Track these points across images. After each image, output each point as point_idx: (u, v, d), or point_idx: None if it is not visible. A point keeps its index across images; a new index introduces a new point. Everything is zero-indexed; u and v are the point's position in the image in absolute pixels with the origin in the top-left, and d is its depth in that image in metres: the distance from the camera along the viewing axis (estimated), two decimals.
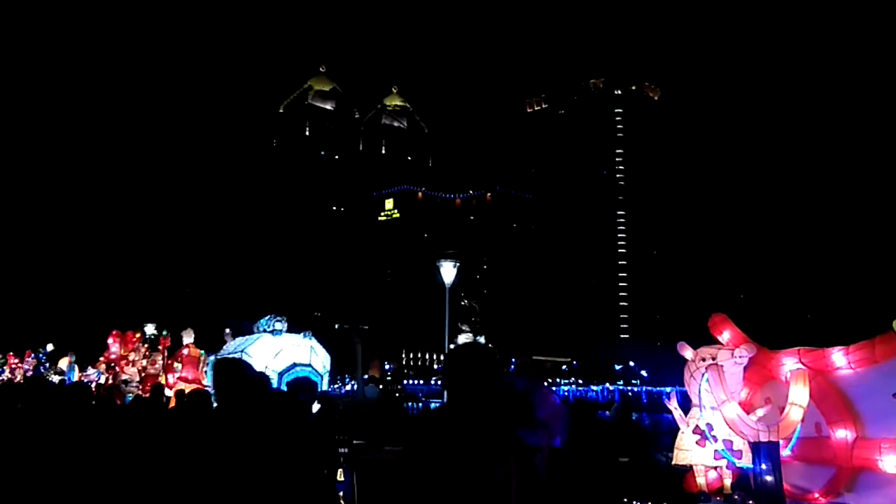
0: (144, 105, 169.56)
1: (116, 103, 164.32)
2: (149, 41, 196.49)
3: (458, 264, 20.87)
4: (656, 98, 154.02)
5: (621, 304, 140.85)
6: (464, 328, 51.10)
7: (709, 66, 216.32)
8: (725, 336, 7.48)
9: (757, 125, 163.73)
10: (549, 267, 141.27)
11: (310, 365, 15.97)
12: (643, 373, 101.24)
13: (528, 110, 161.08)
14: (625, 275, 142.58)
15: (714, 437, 7.12)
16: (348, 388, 49.80)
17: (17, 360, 30.26)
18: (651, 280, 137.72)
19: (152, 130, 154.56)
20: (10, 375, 27.25)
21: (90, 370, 24.64)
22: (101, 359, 24.44)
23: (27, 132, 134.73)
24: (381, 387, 22.91)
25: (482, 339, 52.45)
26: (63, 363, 25.89)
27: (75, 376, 23.77)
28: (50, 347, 33.78)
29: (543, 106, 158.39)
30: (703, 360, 7.18)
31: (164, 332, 25.74)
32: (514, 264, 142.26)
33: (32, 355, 29.67)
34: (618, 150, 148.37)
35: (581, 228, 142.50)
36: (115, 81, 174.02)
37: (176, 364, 20.42)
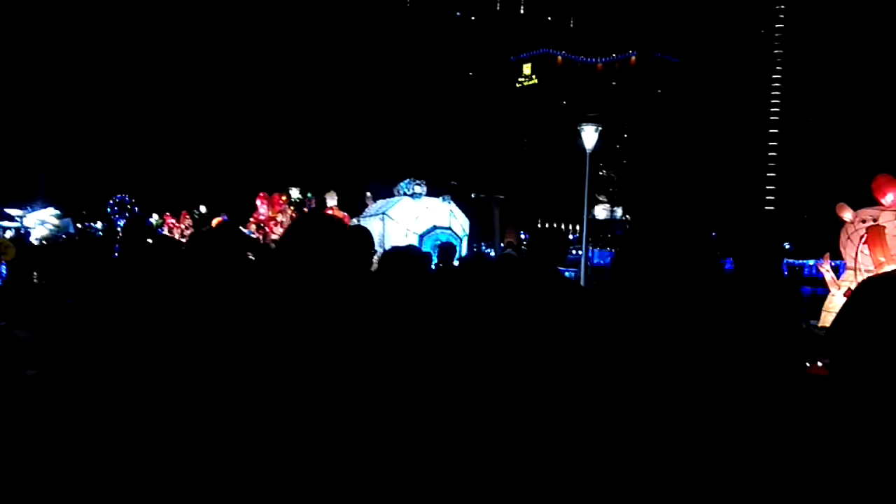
0: None
1: None
2: None
3: (600, 128, 19.60)
4: None
5: (769, 174, 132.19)
6: (601, 199, 49.59)
7: None
8: (889, 198, 7.39)
9: None
10: (695, 136, 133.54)
11: (449, 228, 15.76)
12: (786, 245, 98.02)
13: None
14: (775, 143, 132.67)
15: None
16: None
17: (173, 220, 32.18)
18: (805, 148, 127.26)
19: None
20: (168, 234, 29.11)
21: (242, 230, 25.64)
22: (251, 220, 25.34)
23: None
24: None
25: (619, 210, 50.77)
26: (216, 223, 27.08)
27: None
28: (203, 209, 35.71)
29: None
30: (864, 221, 7.11)
31: (309, 195, 26.41)
32: (658, 133, 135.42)
33: (188, 216, 31.35)
34: (779, 6, 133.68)
35: (732, 95, 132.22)
36: None
37: None
